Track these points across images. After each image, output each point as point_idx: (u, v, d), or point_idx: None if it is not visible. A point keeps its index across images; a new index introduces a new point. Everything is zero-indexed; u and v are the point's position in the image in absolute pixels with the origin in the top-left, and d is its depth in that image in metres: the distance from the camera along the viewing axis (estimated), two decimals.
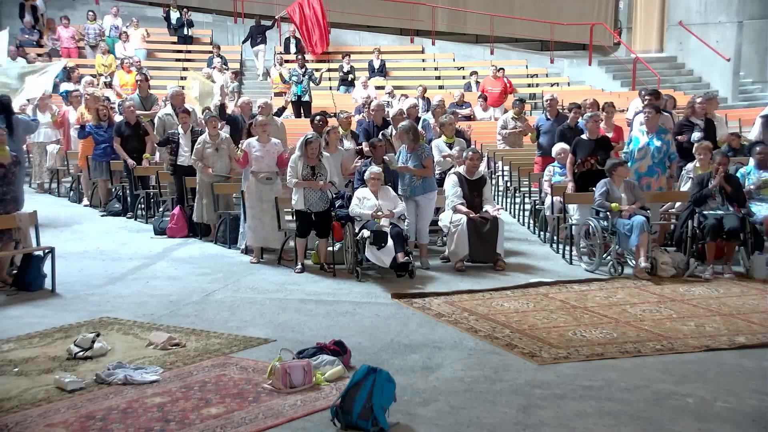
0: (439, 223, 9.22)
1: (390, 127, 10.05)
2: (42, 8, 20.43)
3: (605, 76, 20.18)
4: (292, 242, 8.99)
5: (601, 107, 10.59)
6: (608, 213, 8.51)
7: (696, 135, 10.17)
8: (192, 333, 6.66)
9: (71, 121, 12.86)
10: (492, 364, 5.96)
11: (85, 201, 12.53)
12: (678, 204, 9.56)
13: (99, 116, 11.81)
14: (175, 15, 20.87)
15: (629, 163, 9.29)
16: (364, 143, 9.85)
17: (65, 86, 15.50)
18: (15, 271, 8.15)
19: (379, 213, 8.38)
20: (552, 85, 19.71)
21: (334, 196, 8.84)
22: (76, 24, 20.33)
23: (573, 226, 9.10)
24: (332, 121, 10.60)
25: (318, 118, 10.06)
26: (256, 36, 20.38)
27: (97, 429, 4.88)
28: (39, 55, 18.61)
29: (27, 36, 19.79)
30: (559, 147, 9.88)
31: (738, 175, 9.12)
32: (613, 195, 8.59)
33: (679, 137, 10.20)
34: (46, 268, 8.04)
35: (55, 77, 14.17)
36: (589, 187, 9.15)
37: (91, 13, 20.29)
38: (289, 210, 9.04)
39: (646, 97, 10.52)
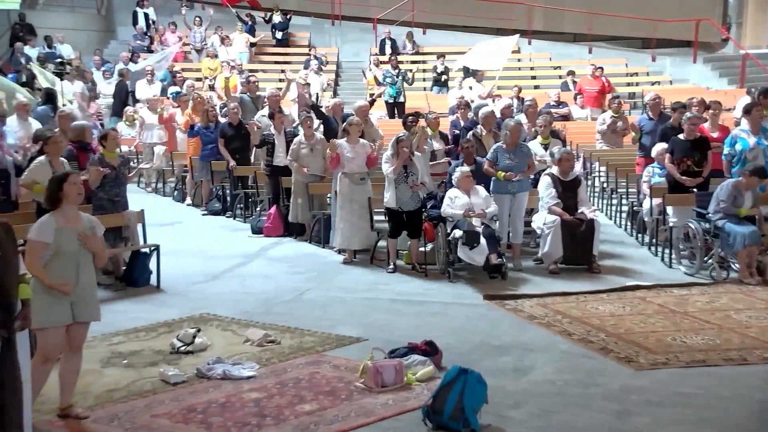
0: (533, 225, 9.10)
1: (479, 126, 9.99)
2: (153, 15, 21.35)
3: (711, 74, 19.38)
4: (383, 242, 9.08)
5: (706, 106, 10.21)
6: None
7: None
8: (287, 331, 6.83)
9: (179, 122, 13.28)
10: (585, 368, 5.86)
11: (188, 200, 12.99)
12: None
13: (208, 117, 12.22)
14: (277, 18, 21.35)
15: (737, 166, 8.92)
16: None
17: (173, 89, 16.11)
18: (124, 268, 8.53)
19: (471, 212, 8.35)
20: (653, 84, 19.07)
21: (426, 196, 8.87)
22: (182, 29, 21.13)
23: (672, 229, 8.82)
24: (421, 122, 10.61)
25: (410, 118, 10.16)
26: None
27: (198, 421, 5.07)
28: None
29: (139, 42, 20.70)
30: (659, 147, 9.57)
31: None
32: (740, 199, 8.27)
33: None
34: (152, 265, 8.40)
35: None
36: (687, 188, 8.86)
37: (197, 18, 21.02)
38: (381, 210, 9.12)
39: (760, 97, 10.07)
